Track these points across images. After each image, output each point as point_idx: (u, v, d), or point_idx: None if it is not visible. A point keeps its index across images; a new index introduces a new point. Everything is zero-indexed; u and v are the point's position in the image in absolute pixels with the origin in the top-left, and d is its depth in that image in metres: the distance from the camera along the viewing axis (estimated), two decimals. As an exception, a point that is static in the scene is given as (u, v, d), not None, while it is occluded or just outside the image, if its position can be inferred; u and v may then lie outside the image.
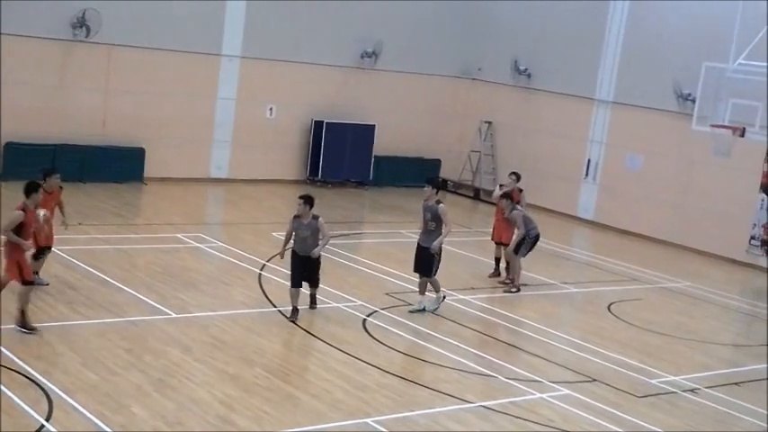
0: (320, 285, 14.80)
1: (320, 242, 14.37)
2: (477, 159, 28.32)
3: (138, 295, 14.47)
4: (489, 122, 28.18)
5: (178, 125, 24.57)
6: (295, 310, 14.27)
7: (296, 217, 14.38)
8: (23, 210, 12.39)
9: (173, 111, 24.40)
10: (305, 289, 14.54)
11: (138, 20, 23.34)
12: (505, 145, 27.93)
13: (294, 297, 14.29)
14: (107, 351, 12.07)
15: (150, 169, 24.04)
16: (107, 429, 9.84)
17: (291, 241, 14.42)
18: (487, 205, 26.84)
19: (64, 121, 22.89)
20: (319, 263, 14.52)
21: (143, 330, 13.03)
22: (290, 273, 14.44)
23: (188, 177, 24.60)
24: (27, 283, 12.31)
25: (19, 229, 12.26)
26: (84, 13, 22.39)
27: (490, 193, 27.47)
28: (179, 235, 18.72)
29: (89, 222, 18.53)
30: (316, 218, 14.38)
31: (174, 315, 13.85)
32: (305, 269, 14.30)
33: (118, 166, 23.41)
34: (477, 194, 28.01)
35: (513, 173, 18.62)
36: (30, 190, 12.58)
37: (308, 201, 14.47)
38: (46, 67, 22.63)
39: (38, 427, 9.67)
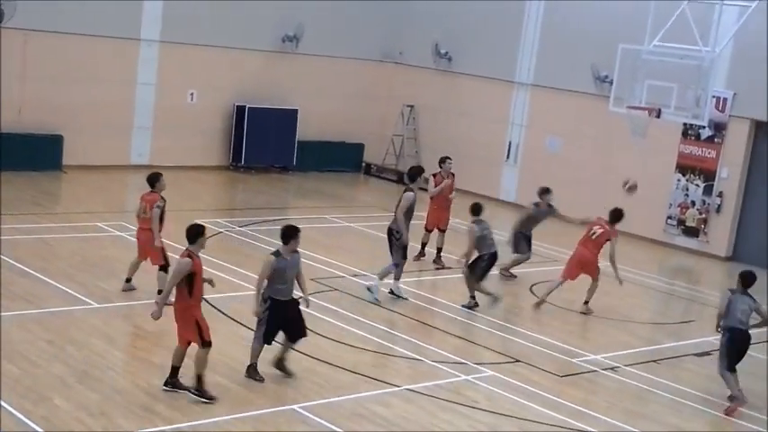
0: (250, 274, 14.62)
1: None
2: (400, 143, 28.43)
3: (60, 286, 14.26)
4: (411, 106, 28.29)
5: (97, 111, 24.16)
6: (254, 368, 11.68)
7: (278, 255, 11.55)
8: (190, 257, 10.90)
9: (91, 97, 23.97)
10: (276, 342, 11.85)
11: (54, 5, 22.84)
12: (428, 128, 28.08)
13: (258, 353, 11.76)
14: (28, 343, 11.88)
15: (69, 157, 23.61)
16: (29, 423, 9.71)
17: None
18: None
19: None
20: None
21: (65, 321, 12.86)
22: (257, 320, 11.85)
23: (108, 164, 24.22)
24: (207, 344, 10.83)
25: (191, 279, 10.74)
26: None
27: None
28: (100, 224, 18.46)
29: (7, 212, 18.16)
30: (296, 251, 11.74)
31: (96, 305, 13.69)
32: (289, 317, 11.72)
33: (35, 153, 22.92)
34: (400, 178, 28.11)
35: (445, 157, 18.89)
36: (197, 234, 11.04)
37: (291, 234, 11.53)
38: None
39: (-43, 423, 9.52)
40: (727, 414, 12.47)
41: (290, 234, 11.41)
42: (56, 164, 23.37)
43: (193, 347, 10.91)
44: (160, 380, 11.12)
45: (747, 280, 12.73)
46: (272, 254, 11.55)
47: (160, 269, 14.05)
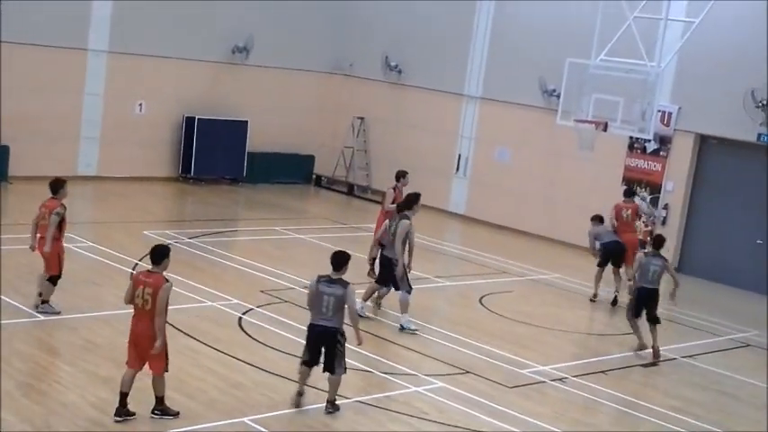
0: (200, 286, 14.49)
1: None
2: (350, 155, 28.46)
3: (4, 298, 14.04)
4: (362, 118, 28.35)
5: (44, 122, 23.86)
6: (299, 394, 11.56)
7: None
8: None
9: (38, 107, 23.67)
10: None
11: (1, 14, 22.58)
12: (378, 140, 28.15)
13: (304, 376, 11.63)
14: (-28, 357, 11.69)
15: (15, 167, 23.30)
16: (-27, 437, 9.57)
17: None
18: (362, 201, 27.05)
19: None
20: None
21: (9, 334, 12.64)
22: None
23: (55, 175, 23.84)
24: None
25: None
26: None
27: (364, 189, 27.82)
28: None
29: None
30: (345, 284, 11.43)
31: (41, 318, 13.51)
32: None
33: (-20, 164, 22.63)
34: (351, 190, 28.14)
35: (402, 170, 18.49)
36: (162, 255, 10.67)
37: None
38: None
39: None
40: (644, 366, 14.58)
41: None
42: (1, 174, 23.05)
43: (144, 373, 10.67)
44: (108, 393, 11.00)
45: (659, 242, 15.34)
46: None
47: (49, 279, 13.68)
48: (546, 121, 23.19)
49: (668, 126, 22.29)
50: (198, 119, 25.91)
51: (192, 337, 13.43)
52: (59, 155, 24.25)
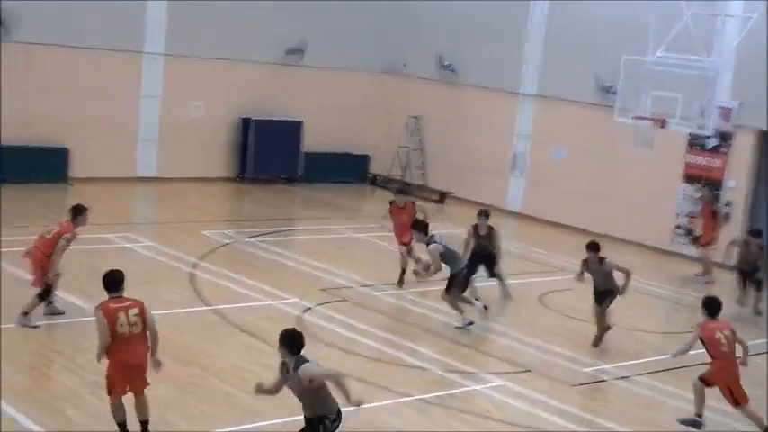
0: (259, 285, 14.51)
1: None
2: (405, 154, 28.44)
3: (68, 297, 14.22)
4: (416, 117, 28.31)
5: (102, 124, 24.18)
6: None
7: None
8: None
9: (96, 110, 23.99)
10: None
11: (57, 18, 22.90)
12: (433, 140, 28.09)
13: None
14: (38, 354, 11.86)
15: (75, 169, 23.66)
16: (41, 433, 9.70)
17: None
18: (418, 200, 26.94)
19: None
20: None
21: (73, 332, 12.82)
22: None
23: (114, 177, 24.23)
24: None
25: None
26: (0, 13, 21.91)
27: (420, 187, 27.75)
28: (107, 235, 18.45)
29: (13, 225, 18.13)
30: None
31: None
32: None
33: (41, 166, 22.95)
34: (405, 190, 28.03)
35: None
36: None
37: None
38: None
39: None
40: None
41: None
42: (62, 176, 23.40)
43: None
44: (171, 390, 11.08)
45: (593, 247, 14.76)
46: None
47: (39, 294, 13.25)
48: (602, 119, 22.95)
49: (728, 122, 21.93)
50: (254, 120, 26.08)
51: (253, 335, 13.49)
52: (118, 157, 24.57)
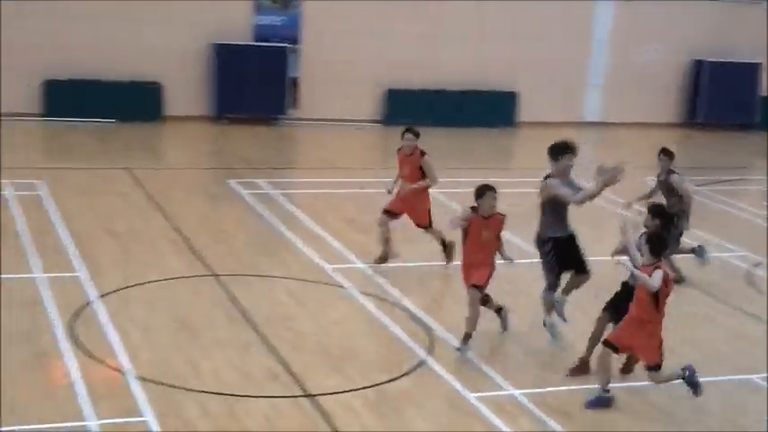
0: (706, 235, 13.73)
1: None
2: None
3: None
4: None
5: (550, 69, 24.42)
6: None
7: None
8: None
9: (546, 55, 24.28)
10: None
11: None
12: None
13: None
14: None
15: (523, 113, 24.21)
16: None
17: None
18: None
19: (439, 68, 23.53)
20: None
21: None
22: None
23: (560, 121, 24.34)
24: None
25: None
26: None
27: None
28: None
29: (457, 166, 18.53)
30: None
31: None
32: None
33: (492, 110, 23.78)
34: None
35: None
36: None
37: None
38: (417, 20, 23.24)
39: (418, 362, 10.01)
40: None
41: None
42: (510, 120, 24.05)
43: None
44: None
45: None
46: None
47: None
48: None
49: None
50: (707, 62, 24.91)
51: (705, 292, 12.83)
52: (565, 101, 24.72)
